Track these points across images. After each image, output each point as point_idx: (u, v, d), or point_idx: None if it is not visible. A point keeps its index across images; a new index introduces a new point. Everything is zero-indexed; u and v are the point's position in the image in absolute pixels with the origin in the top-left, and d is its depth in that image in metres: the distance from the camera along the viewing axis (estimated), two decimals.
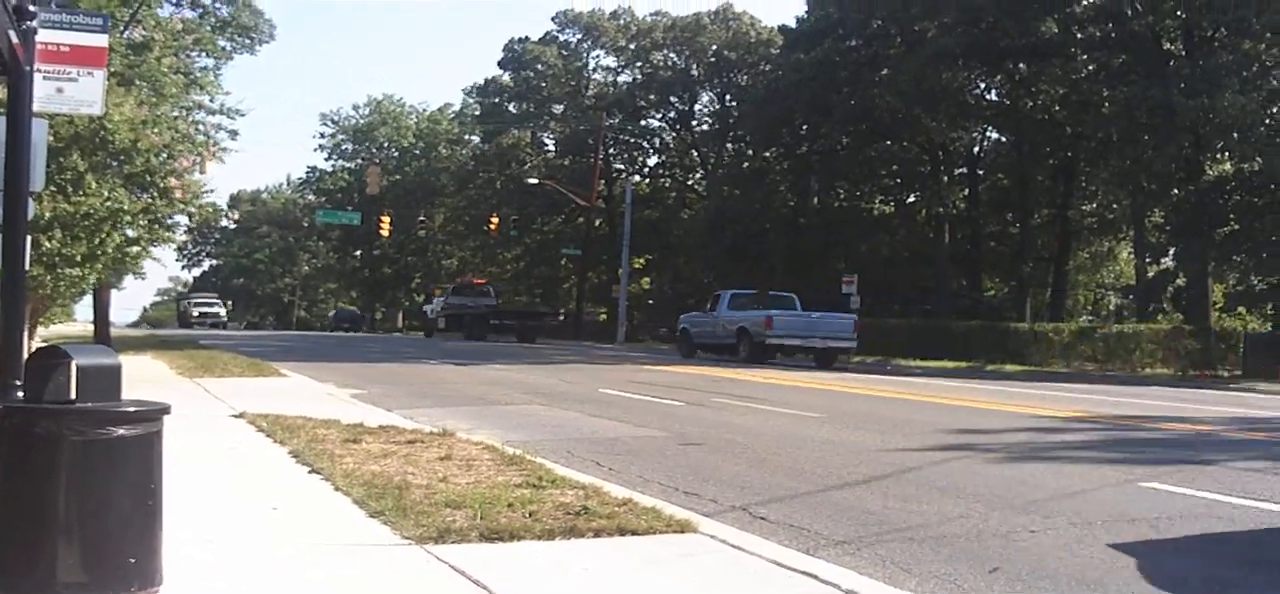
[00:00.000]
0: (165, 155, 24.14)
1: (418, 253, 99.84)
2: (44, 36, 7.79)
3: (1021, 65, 49.15)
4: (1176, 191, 42.08)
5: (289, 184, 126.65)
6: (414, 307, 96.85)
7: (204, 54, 39.69)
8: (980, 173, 59.63)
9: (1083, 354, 40.78)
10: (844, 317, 39.94)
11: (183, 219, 31.67)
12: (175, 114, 28.21)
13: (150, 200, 23.77)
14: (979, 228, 57.15)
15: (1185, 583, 7.21)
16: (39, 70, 7.35)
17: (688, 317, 43.62)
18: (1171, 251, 47.90)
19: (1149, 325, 43.16)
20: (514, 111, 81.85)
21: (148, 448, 5.27)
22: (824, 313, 39.69)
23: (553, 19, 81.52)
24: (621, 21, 78.68)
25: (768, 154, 62.35)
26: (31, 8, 6.42)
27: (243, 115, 54.47)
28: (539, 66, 79.46)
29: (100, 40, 8.91)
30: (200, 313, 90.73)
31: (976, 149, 59.52)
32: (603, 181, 75.99)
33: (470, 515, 7.89)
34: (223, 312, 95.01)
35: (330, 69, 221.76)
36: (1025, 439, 15.12)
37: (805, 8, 59.72)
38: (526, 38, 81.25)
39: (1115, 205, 53.61)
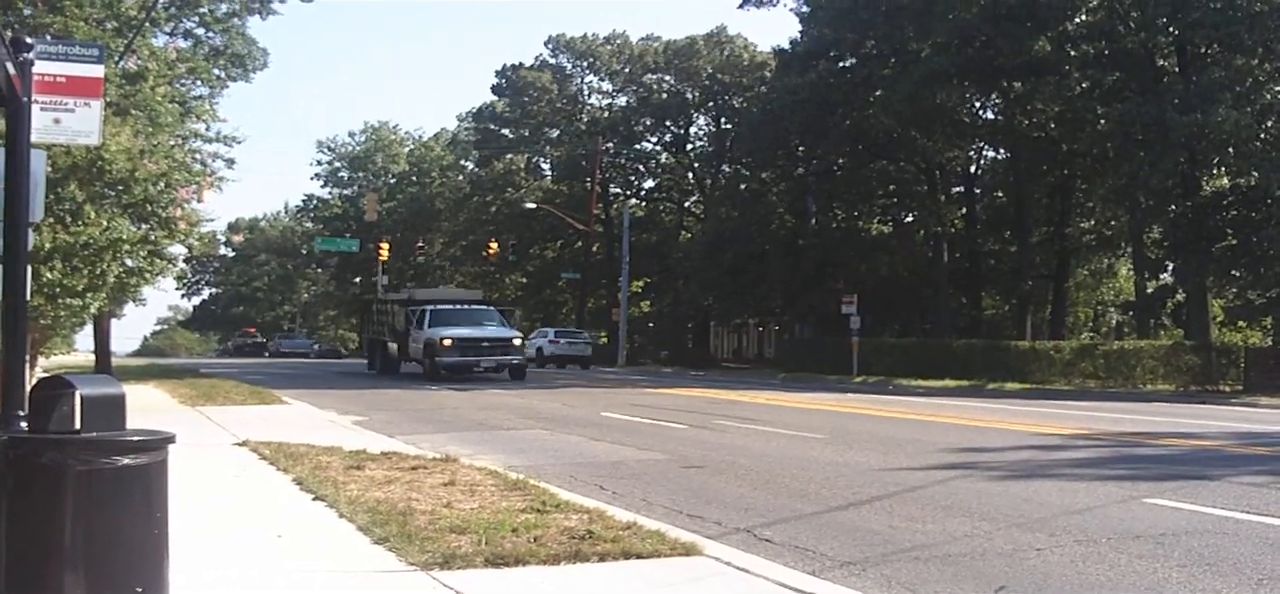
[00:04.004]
0: (163, 185, 24.13)
1: (417, 278, 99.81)
2: (41, 68, 7.79)
3: (1016, 84, 49.15)
4: (1173, 207, 42.06)
5: (287, 211, 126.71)
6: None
7: (199, 82, 39.72)
8: (977, 191, 59.65)
9: (1084, 371, 40.74)
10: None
11: (181, 249, 31.62)
12: (172, 143, 28.18)
13: (150, 230, 23.75)
14: (977, 246, 57.13)
15: None
16: (36, 101, 7.36)
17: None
18: (1170, 267, 47.85)
19: (1149, 341, 43.09)
20: (509, 136, 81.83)
21: (153, 477, 5.25)
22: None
23: (545, 44, 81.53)
24: (615, 45, 78.73)
25: (764, 176, 62.36)
26: (28, 40, 6.44)
27: (239, 143, 54.60)
28: (533, 91, 79.49)
29: (96, 71, 8.91)
30: (456, 341, 38.17)
31: (973, 168, 59.53)
32: (600, 205, 76.01)
33: (475, 541, 7.88)
34: (517, 338, 40.96)
35: (326, 97, 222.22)
36: (1028, 457, 15.09)
37: (799, 30, 59.82)
38: (520, 63, 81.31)
39: (1113, 222, 53.59)
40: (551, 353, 60.06)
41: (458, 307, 42.44)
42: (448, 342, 37.66)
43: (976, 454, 15.32)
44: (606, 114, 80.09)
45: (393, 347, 43.21)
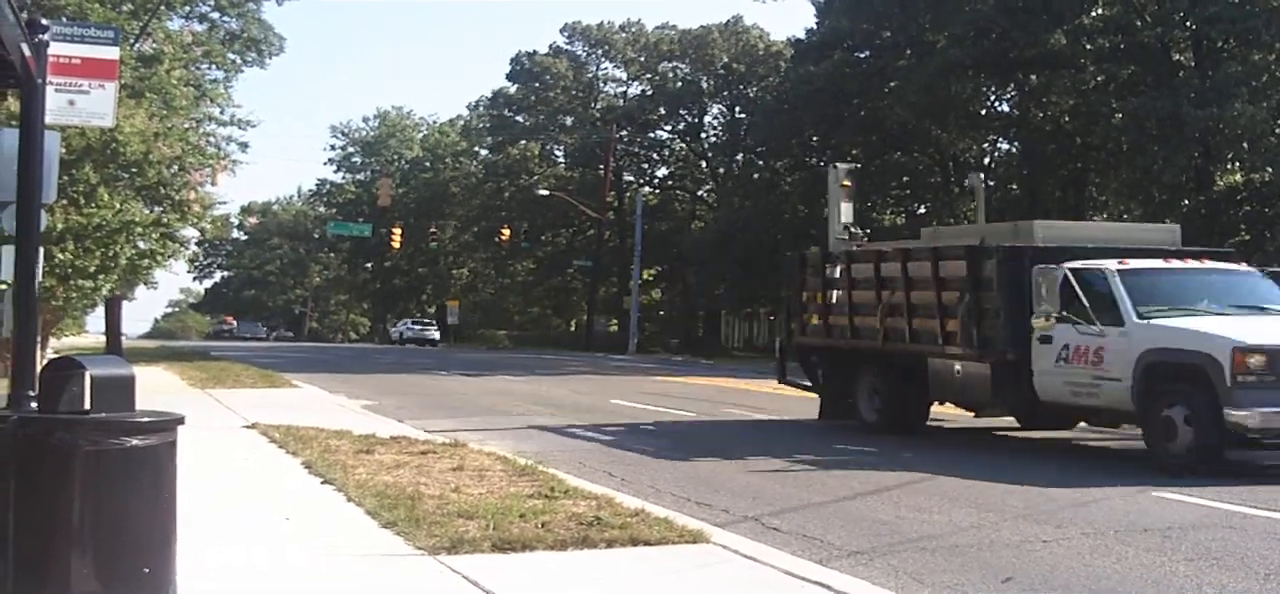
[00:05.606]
0: (176, 167, 24.22)
1: (428, 264, 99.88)
2: (56, 50, 7.80)
3: (1031, 76, 49.02)
4: (1187, 202, 41.88)
5: (300, 196, 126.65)
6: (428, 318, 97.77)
7: (214, 66, 39.80)
8: (991, 184, 59.42)
9: None
10: None
11: (194, 232, 31.73)
12: (186, 126, 28.28)
13: (162, 212, 23.84)
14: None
15: None
16: (51, 83, 7.38)
17: None
18: None
19: None
20: (523, 123, 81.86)
21: (162, 458, 5.28)
22: None
23: (561, 31, 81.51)
24: (630, 33, 78.70)
25: (778, 165, 62.28)
26: (44, 21, 6.45)
27: (253, 127, 54.59)
28: (548, 78, 79.48)
29: (111, 53, 8.94)
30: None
31: (987, 160, 59.35)
32: (613, 193, 75.98)
33: (483, 526, 7.90)
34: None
35: (341, 82, 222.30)
36: (1037, 449, 15.07)
37: (814, 20, 59.69)
38: (535, 51, 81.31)
39: (1126, 215, 53.40)
40: (409, 336, 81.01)
41: (1186, 268, 15.27)
42: (1259, 359, 12.30)
43: (985, 444, 15.30)
44: (621, 102, 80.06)
45: (937, 363, 16.26)
